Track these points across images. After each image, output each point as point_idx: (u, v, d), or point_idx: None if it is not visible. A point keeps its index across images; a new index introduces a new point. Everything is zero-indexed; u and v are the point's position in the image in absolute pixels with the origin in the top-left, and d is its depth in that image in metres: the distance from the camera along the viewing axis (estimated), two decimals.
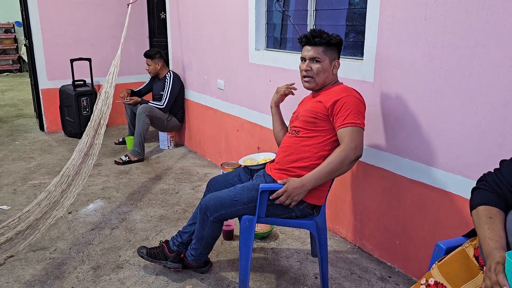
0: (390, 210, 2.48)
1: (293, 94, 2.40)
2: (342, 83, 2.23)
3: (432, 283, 1.35)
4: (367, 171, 2.58)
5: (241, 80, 3.71)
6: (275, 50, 3.38)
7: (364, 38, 2.48)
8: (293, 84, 2.40)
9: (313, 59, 2.13)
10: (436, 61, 2.09)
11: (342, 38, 2.18)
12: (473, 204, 1.39)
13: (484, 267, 1.23)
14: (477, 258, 1.32)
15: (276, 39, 3.43)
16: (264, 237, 2.84)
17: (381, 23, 2.34)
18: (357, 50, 2.66)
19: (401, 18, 2.23)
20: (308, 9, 2.96)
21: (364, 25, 2.48)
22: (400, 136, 2.34)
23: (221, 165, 3.51)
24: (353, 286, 2.35)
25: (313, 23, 2.94)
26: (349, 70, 2.58)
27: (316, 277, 2.42)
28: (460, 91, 2.01)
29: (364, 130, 2.05)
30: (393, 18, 2.27)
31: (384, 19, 2.32)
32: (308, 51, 2.14)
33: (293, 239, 2.86)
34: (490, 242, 1.24)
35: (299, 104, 2.36)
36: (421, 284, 1.37)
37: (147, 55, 4.64)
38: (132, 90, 4.84)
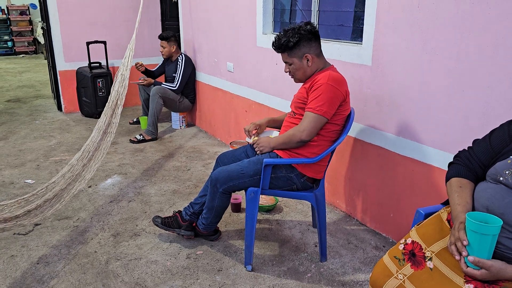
0: (385, 185, 2.68)
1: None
2: (330, 67, 2.33)
3: (409, 242, 1.55)
4: (365, 149, 2.78)
5: (249, 63, 3.89)
6: None
7: (363, 24, 2.64)
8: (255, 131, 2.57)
9: (286, 63, 2.34)
10: (427, 47, 2.26)
11: (307, 29, 2.22)
12: (448, 176, 1.60)
13: None
14: (449, 221, 1.52)
15: (283, 24, 3.59)
16: (269, 209, 3.06)
17: (379, 10, 2.50)
18: (358, 35, 2.83)
19: (397, 5, 2.39)
20: None
21: (364, 11, 2.64)
22: (395, 116, 2.52)
23: (230, 143, 3.72)
24: (349, 254, 2.57)
25: (317, 8, 3.10)
26: (349, 54, 2.75)
27: (315, 246, 2.65)
28: (448, 74, 2.18)
29: (325, 117, 2.18)
30: (389, 5, 2.43)
31: (381, 6, 2.48)
32: (281, 56, 2.35)
33: (296, 212, 3.08)
34: (458, 207, 1.44)
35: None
36: (400, 243, 1.58)
37: (162, 37, 4.80)
38: (146, 69, 5.03)
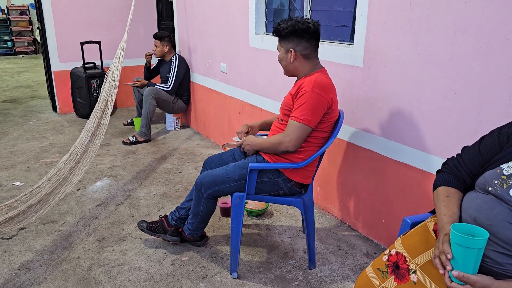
0: (377, 190, 2.60)
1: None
2: (319, 71, 2.20)
3: (393, 253, 1.48)
4: (356, 153, 2.70)
5: (242, 63, 3.82)
6: None
7: (355, 24, 2.57)
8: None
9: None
10: (420, 47, 2.18)
11: (302, 27, 2.12)
12: (435, 185, 1.52)
13: None
14: (435, 232, 1.44)
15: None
16: (259, 214, 2.99)
17: (370, 10, 2.42)
18: (349, 35, 2.75)
19: (388, 5, 2.31)
20: None
21: (356, 11, 2.56)
22: (387, 119, 2.45)
23: (223, 146, 3.65)
24: (339, 261, 2.50)
25: (309, 8, 3.02)
26: (341, 55, 2.67)
27: (305, 252, 2.57)
28: (441, 76, 2.10)
29: (309, 127, 2.09)
30: (380, 5, 2.35)
31: (373, 6, 2.40)
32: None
33: (287, 216, 3.00)
34: (444, 217, 1.36)
35: None
36: (384, 255, 1.51)
37: (156, 36, 4.76)
38: (147, 67, 4.99)
